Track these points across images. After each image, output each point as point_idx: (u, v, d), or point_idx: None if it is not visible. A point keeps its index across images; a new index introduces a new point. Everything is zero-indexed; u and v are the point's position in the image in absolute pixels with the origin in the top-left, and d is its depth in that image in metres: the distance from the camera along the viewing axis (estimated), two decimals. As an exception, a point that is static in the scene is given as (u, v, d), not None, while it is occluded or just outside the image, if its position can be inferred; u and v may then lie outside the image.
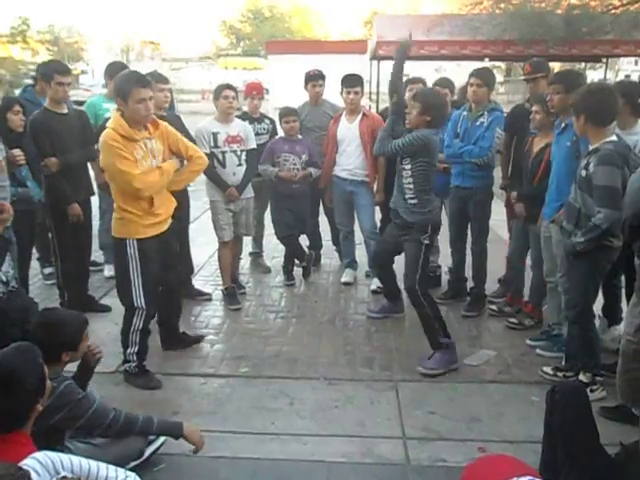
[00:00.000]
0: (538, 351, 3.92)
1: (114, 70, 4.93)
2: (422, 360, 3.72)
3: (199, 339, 4.15)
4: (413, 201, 3.77)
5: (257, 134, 5.08)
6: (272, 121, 5.36)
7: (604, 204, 3.02)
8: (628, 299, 3.64)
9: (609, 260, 3.29)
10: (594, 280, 3.35)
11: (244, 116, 5.14)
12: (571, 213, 3.29)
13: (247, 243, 5.61)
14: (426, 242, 3.75)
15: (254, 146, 4.83)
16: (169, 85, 4.53)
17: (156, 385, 3.58)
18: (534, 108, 3.99)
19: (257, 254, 5.75)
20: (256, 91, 5.15)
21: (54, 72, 4.15)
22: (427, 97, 3.77)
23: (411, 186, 3.77)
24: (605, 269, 3.33)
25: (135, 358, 3.59)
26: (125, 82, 3.31)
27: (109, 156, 3.29)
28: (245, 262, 5.55)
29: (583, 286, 3.34)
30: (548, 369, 3.61)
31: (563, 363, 3.63)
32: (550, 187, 3.72)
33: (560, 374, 3.55)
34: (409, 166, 3.75)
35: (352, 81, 4.86)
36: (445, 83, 4.89)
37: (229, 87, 4.67)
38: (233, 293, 4.87)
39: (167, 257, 3.70)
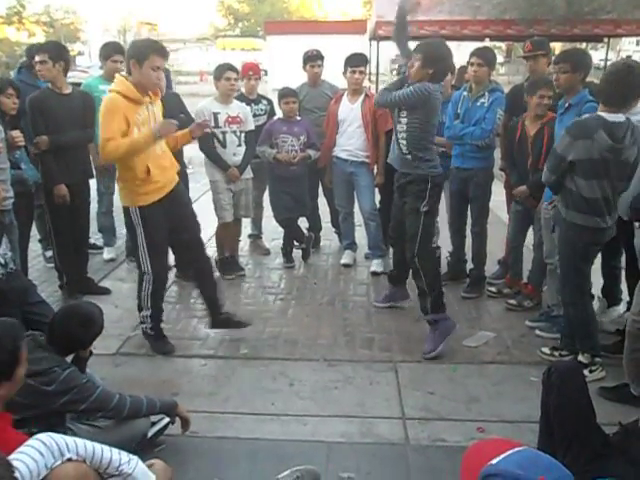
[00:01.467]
0: (537, 332, 3.93)
1: (109, 51, 4.90)
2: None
3: (245, 324, 3.97)
4: (407, 157, 3.71)
5: (254, 115, 5.05)
6: (269, 101, 5.31)
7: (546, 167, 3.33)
8: (628, 280, 3.66)
9: (596, 241, 3.29)
10: (578, 260, 3.33)
11: (240, 97, 5.09)
12: (563, 192, 3.33)
13: (246, 225, 5.61)
14: (425, 209, 3.66)
15: (252, 127, 4.82)
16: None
17: (170, 350, 3.73)
18: (541, 92, 3.90)
19: (256, 236, 5.75)
20: (252, 71, 5.09)
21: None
22: (429, 48, 3.58)
23: (404, 142, 3.69)
24: (592, 250, 3.32)
25: (149, 320, 3.72)
26: (145, 47, 3.36)
27: (102, 115, 3.32)
28: (244, 244, 5.54)
29: (568, 266, 3.37)
30: (546, 349, 3.63)
31: (560, 342, 3.65)
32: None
33: (557, 353, 3.57)
34: (405, 120, 3.65)
35: (357, 60, 4.81)
36: None
37: (231, 68, 4.64)
38: (227, 263, 4.97)
39: (178, 218, 3.65)
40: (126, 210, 3.54)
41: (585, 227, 3.21)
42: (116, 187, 3.67)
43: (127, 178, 3.47)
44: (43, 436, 1.93)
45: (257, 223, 5.69)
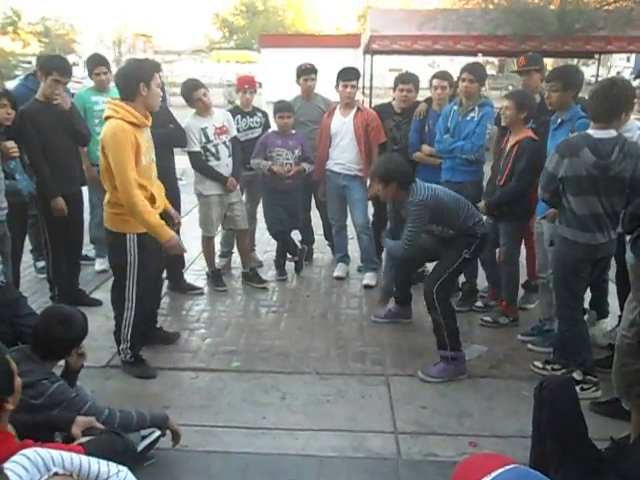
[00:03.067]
0: (529, 346, 3.93)
1: (92, 64, 4.97)
2: (425, 367, 3.65)
3: (176, 336, 4.06)
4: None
5: (250, 128, 5.06)
6: (265, 114, 5.33)
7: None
8: (618, 293, 3.68)
9: (586, 257, 3.28)
10: (569, 275, 3.33)
11: (236, 110, 5.11)
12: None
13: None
14: (466, 256, 3.64)
15: (235, 134, 4.83)
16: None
17: (151, 374, 3.59)
18: (505, 103, 3.97)
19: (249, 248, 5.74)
20: (248, 85, 5.10)
21: (53, 69, 4.10)
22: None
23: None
24: (582, 266, 3.32)
25: (129, 352, 3.59)
26: (148, 67, 3.35)
27: (121, 151, 3.18)
28: (237, 256, 5.52)
29: (559, 281, 3.39)
30: (538, 363, 3.64)
31: (552, 356, 3.65)
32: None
33: (549, 367, 3.57)
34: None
35: (349, 74, 4.84)
36: (444, 75, 4.82)
37: (196, 87, 4.56)
38: (218, 275, 5.00)
39: (162, 251, 3.65)
40: (119, 236, 3.40)
41: (575, 242, 3.23)
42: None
43: None
44: (28, 451, 1.91)
45: (250, 235, 5.68)
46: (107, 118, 3.30)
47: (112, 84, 5.03)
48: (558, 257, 3.37)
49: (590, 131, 3.15)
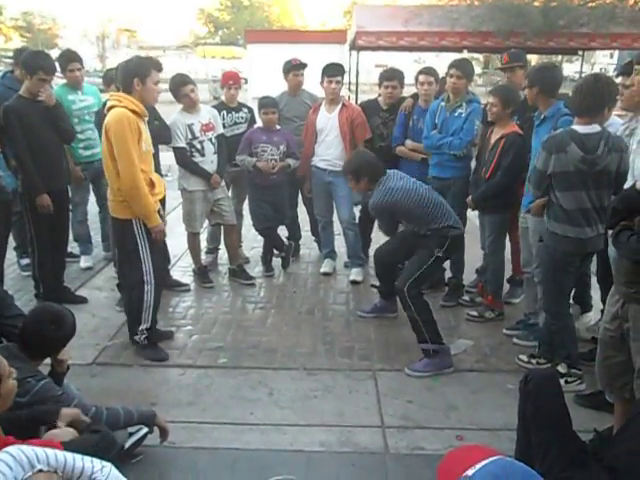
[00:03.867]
0: (515, 340, 3.97)
1: (64, 61, 4.90)
2: (411, 363, 3.67)
3: (169, 334, 4.07)
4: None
5: (235, 124, 5.05)
6: (250, 110, 5.31)
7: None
8: (600, 287, 3.72)
9: (575, 251, 3.31)
10: (557, 269, 3.36)
11: (221, 106, 5.09)
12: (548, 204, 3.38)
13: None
14: (438, 254, 3.68)
15: (222, 131, 4.82)
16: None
17: (164, 357, 3.74)
18: (490, 100, 4.00)
19: None
20: (233, 80, 5.08)
21: (39, 69, 4.04)
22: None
23: None
24: (571, 260, 3.34)
25: (146, 333, 3.71)
26: (147, 64, 3.48)
27: (126, 138, 3.34)
28: (223, 252, 5.51)
29: (547, 275, 3.41)
30: (524, 356, 3.67)
31: (537, 350, 3.69)
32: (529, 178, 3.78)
33: (534, 361, 3.61)
34: None
35: (334, 70, 4.84)
36: (430, 72, 4.81)
37: (184, 83, 4.56)
38: (205, 272, 5.02)
39: None
40: (124, 223, 3.53)
41: (564, 237, 3.25)
42: (90, 205, 3.62)
43: None
44: (12, 449, 1.90)
45: (237, 232, 5.65)
46: (110, 109, 3.43)
47: (85, 81, 4.99)
48: (546, 252, 3.39)
49: (575, 127, 3.17)
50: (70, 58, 4.94)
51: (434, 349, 3.62)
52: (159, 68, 3.52)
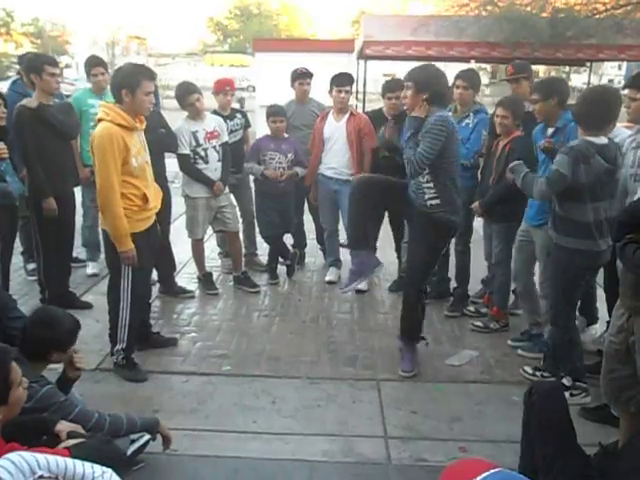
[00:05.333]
0: (519, 352, 3.95)
1: (90, 65, 4.94)
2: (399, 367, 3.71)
3: (173, 341, 4.05)
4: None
5: (231, 132, 5.03)
6: (244, 114, 5.33)
7: (547, 179, 3.21)
8: (607, 299, 3.70)
9: (589, 265, 3.29)
10: (569, 284, 3.34)
11: (214, 114, 5.08)
12: (553, 217, 3.35)
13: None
14: (440, 244, 3.63)
15: (227, 139, 4.84)
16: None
17: (143, 378, 3.58)
18: (501, 112, 3.97)
19: (252, 253, 5.70)
20: (229, 87, 5.05)
21: (44, 63, 4.12)
22: (417, 72, 3.44)
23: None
24: (584, 274, 3.33)
25: (122, 354, 3.59)
26: (136, 73, 3.32)
27: (105, 153, 3.21)
28: (226, 260, 5.50)
29: (557, 289, 3.38)
30: (528, 368, 3.65)
31: (542, 363, 3.67)
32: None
33: (539, 374, 3.59)
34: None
35: (343, 80, 4.85)
36: None
37: (190, 91, 4.57)
38: (210, 279, 5.00)
39: (154, 250, 3.70)
40: (108, 235, 3.42)
41: (577, 250, 3.21)
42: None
43: (123, 205, 3.36)
44: (12, 455, 1.90)
45: (250, 240, 5.62)
46: (99, 120, 3.32)
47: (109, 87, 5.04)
48: (557, 267, 3.34)
49: (588, 138, 3.13)
50: (94, 63, 5.01)
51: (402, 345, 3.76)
52: (151, 77, 3.38)
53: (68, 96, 5.02)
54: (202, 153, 4.65)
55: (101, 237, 5.33)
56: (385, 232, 5.27)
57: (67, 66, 35.87)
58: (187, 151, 4.62)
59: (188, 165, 4.67)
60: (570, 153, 3.11)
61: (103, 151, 3.22)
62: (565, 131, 3.59)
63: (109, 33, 43.74)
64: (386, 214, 5.07)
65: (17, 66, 4.98)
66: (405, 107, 3.65)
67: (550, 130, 3.69)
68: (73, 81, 24.55)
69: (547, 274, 3.64)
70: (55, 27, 42.53)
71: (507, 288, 4.32)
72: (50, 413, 2.40)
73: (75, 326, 2.74)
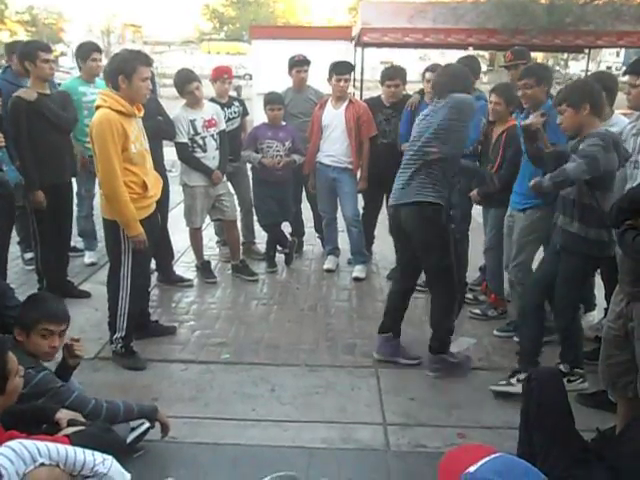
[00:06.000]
0: (515, 339, 3.95)
1: (87, 51, 4.87)
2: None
3: (172, 330, 4.05)
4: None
5: (228, 119, 4.99)
6: (241, 102, 5.30)
7: (583, 158, 2.93)
8: (606, 287, 3.70)
9: (607, 254, 3.16)
10: (585, 276, 3.32)
11: (211, 102, 5.05)
12: (566, 206, 3.20)
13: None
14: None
15: (224, 127, 4.81)
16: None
17: (142, 366, 3.59)
18: (493, 99, 3.98)
19: (250, 242, 5.69)
20: (227, 74, 5.02)
21: (37, 50, 4.07)
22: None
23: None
24: (598, 264, 3.30)
25: (121, 342, 3.59)
26: (132, 60, 3.29)
27: (106, 139, 3.20)
28: (224, 249, 5.50)
29: (573, 284, 3.26)
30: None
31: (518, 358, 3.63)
32: (519, 177, 3.77)
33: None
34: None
35: (343, 68, 4.82)
36: (436, 69, 4.79)
37: (190, 80, 4.53)
38: (208, 267, 5.02)
39: (154, 238, 3.69)
40: (110, 224, 3.42)
41: (601, 241, 3.10)
42: (97, 198, 3.57)
43: None
44: (13, 443, 1.91)
45: (249, 229, 5.61)
46: (97, 108, 3.30)
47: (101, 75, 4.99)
48: (577, 260, 3.18)
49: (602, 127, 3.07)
50: (93, 48, 4.93)
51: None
52: (148, 63, 3.35)
53: (60, 84, 4.96)
54: (200, 142, 4.63)
55: (98, 226, 5.45)
56: (383, 220, 5.26)
57: (62, 54, 35.62)
58: (185, 139, 4.59)
59: (186, 153, 4.65)
60: (605, 138, 2.95)
61: (103, 138, 3.20)
62: (549, 119, 3.57)
63: (104, 21, 43.39)
64: (384, 203, 5.07)
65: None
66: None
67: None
68: (69, 69, 24.37)
69: (521, 259, 3.74)
70: (50, 15, 42.15)
71: (499, 273, 4.31)
72: (47, 399, 2.40)
73: (60, 307, 2.73)
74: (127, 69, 3.24)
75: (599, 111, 3.10)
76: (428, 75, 4.66)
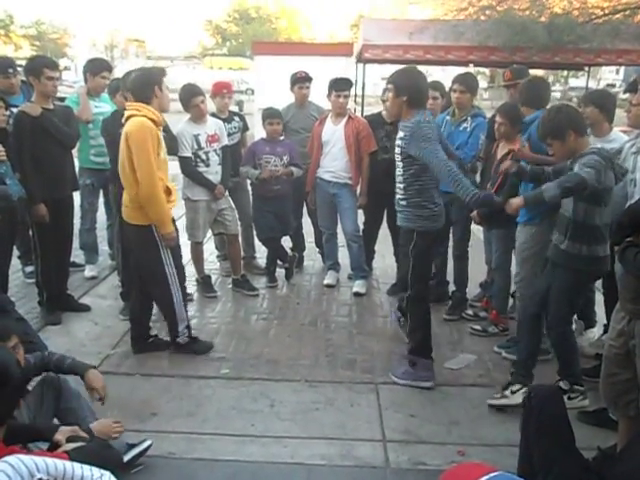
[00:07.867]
0: (503, 354, 3.93)
1: (98, 68, 4.93)
2: (394, 367, 3.70)
3: (167, 345, 4.04)
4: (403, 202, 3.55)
5: (229, 134, 5.01)
6: (242, 117, 5.33)
7: (591, 168, 2.93)
8: (606, 303, 3.70)
9: (603, 271, 3.22)
10: (575, 293, 3.31)
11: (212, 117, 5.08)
12: (561, 223, 3.23)
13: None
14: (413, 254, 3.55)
15: (227, 142, 4.85)
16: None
17: (210, 346, 3.99)
18: (498, 119, 3.97)
19: (250, 257, 5.69)
20: (227, 89, 5.05)
21: (43, 66, 4.15)
22: (397, 76, 3.44)
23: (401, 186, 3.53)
24: (593, 281, 3.32)
25: (187, 332, 3.90)
26: (156, 74, 3.59)
27: (146, 145, 3.40)
28: (225, 263, 5.50)
29: (565, 298, 3.28)
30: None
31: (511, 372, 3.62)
32: (522, 192, 3.78)
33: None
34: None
35: (342, 84, 4.86)
36: (436, 86, 4.81)
37: (195, 94, 4.57)
38: (208, 282, 5.04)
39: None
40: (142, 229, 3.59)
41: (595, 258, 3.13)
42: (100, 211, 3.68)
43: None
44: (11, 458, 1.89)
45: (249, 243, 5.61)
46: (128, 118, 3.49)
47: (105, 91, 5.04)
48: (569, 276, 3.21)
49: (598, 144, 3.15)
50: (105, 66, 5.05)
51: (415, 361, 3.63)
52: (165, 74, 3.65)
53: (63, 99, 5.00)
54: (203, 156, 4.66)
55: (100, 239, 5.46)
56: (383, 236, 5.28)
57: (66, 68, 35.89)
58: (189, 154, 4.62)
59: (189, 168, 4.67)
60: (600, 154, 2.99)
61: (144, 144, 3.41)
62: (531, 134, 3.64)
63: (108, 36, 43.80)
64: (384, 218, 5.09)
65: (18, 69, 4.94)
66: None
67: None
68: (72, 83, 24.55)
69: (522, 274, 3.76)
70: (55, 29, 42.52)
71: (506, 293, 4.32)
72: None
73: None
74: (155, 81, 3.51)
75: (583, 131, 3.16)
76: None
